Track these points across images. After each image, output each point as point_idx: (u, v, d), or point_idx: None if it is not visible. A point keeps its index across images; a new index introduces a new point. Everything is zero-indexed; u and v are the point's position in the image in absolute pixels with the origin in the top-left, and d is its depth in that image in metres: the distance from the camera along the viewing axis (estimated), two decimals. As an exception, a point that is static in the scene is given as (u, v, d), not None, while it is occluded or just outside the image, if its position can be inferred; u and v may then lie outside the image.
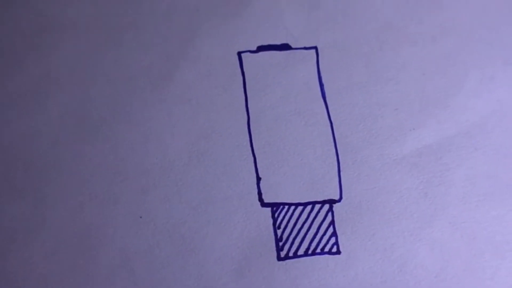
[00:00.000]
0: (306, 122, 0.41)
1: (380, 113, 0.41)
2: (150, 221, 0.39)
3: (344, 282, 0.38)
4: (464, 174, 0.39)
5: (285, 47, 0.42)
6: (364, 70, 0.41)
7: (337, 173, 0.40)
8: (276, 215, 0.39)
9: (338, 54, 0.42)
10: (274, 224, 0.39)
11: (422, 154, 0.40)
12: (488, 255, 0.38)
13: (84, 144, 0.40)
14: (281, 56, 0.42)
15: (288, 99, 0.41)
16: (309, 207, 0.39)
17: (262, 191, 0.39)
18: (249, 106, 0.41)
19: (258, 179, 0.40)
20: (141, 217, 0.39)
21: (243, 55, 0.42)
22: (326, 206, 0.39)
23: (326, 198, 0.39)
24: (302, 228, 0.39)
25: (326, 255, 0.39)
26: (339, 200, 0.39)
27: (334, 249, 0.39)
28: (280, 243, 0.39)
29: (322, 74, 0.41)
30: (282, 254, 0.39)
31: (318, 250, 0.39)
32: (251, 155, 0.40)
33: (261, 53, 0.42)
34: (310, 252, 0.39)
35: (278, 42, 0.42)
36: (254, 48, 0.42)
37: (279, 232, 0.39)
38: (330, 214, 0.39)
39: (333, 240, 0.39)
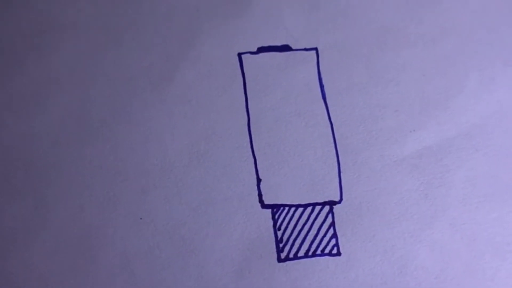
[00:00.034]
0: (307, 123, 0.41)
1: (380, 114, 0.41)
2: (150, 222, 0.39)
3: (344, 283, 0.38)
4: (464, 175, 0.39)
5: (285, 48, 0.42)
6: (364, 71, 0.41)
7: (337, 175, 0.40)
8: (276, 216, 0.39)
9: (339, 55, 0.42)
10: (274, 225, 0.39)
11: (423, 155, 0.40)
12: (488, 256, 0.38)
13: (84, 145, 0.40)
14: (282, 57, 0.42)
15: (288, 100, 0.41)
16: (309, 209, 0.39)
17: (262, 193, 0.39)
18: (249, 107, 0.41)
19: (259, 180, 0.40)
20: (141, 218, 0.39)
21: (243, 56, 0.42)
22: (327, 208, 0.39)
23: (326, 200, 0.39)
24: (303, 230, 0.39)
25: (327, 257, 0.39)
26: (340, 202, 0.39)
27: (335, 251, 0.39)
28: (281, 245, 0.39)
29: (323, 75, 0.41)
30: (283, 255, 0.39)
31: (319, 252, 0.39)
32: (251, 156, 0.40)
33: (261, 54, 0.42)
34: (310, 253, 0.39)
35: (278, 43, 0.42)
36: (255, 49, 0.42)
37: (279, 233, 0.39)
38: (330, 215, 0.39)
39: (333, 241, 0.39)
